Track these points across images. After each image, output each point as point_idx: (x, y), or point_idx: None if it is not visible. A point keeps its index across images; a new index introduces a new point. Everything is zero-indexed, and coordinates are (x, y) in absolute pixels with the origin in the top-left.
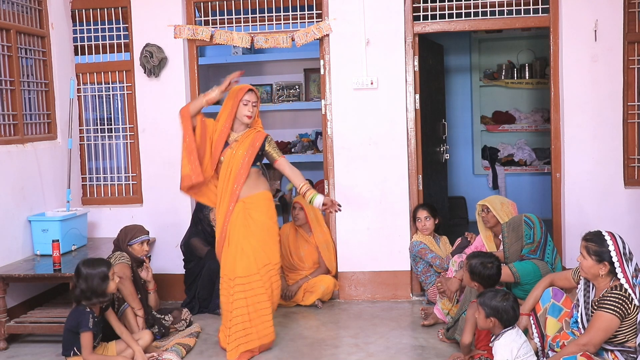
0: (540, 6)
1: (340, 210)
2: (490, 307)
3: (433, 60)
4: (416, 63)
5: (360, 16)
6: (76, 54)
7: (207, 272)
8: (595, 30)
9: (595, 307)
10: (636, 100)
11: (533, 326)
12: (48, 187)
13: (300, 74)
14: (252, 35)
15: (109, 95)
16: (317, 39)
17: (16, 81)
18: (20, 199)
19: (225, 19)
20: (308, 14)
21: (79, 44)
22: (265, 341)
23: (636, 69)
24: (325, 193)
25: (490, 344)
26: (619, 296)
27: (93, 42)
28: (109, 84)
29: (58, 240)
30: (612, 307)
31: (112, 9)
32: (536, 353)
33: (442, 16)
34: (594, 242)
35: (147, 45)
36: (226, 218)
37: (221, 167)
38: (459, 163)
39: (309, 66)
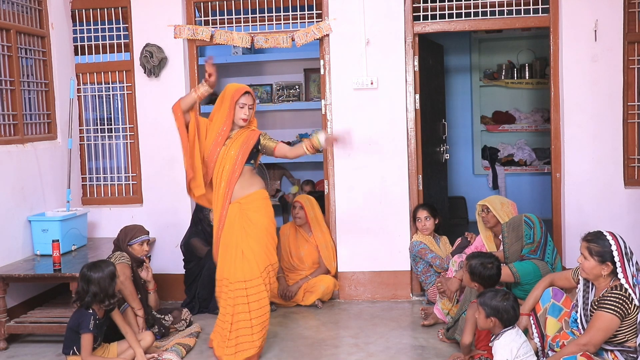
0: (540, 6)
1: (347, 142)
2: (490, 307)
3: (433, 60)
4: (416, 63)
5: (360, 16)
6: (76, 54)
7: (207, 272)
8: (595, 30)
9: (595, 307)
10: (636, 100)
11: (533, 326)
12: (48, 187)
13: (300, 74)
14: (252, 35)
15: (109, 95)
16: (317, 39)
17: (16, 81)
18: (20, 199)
19: (225, 19)
20: (308, 14)
21: (79, 44)
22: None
23: (636, 69)
24: (325, 193)
25: (490, 344)
26: (619, 296)
27: (93, 42)
28: (109, 84)
29: (58, 240)
30: (612, 307)
31: (112, 9)
32: (536, 353)
33: (442, 16)
34: (596, 242)
35: (147, 45)
36: (221, 219)
37: (214, 166)
38: (459, 163)
39: (309, 66)
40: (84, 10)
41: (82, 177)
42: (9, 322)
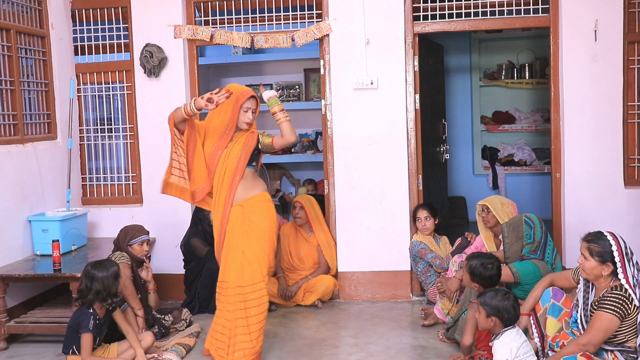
0: (540, 6)
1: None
2: (491, 307)
3: (433, 60)
4: (416, 63)
5: (360, 16)
6: (76, 54)
7: (207, 272)
8: (595, 30)
9: (595, 307)
10: (636, 100)
11: (533, 326)
12: (48, 187)
13: (300, 74)
14: (252, 35)
15: (109, 95)
16: (317, 39)
17: (16, 81)
18: (20, 199)
19: (225, 19)
20: (308, 14)
21: (79, 44)
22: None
23: (636, 69)
24: (325, 193)
25: (490, 344)
26: (619, 296)
27: (93, 42)
28: (109, 84)
29: (58, 240)
30: (612, 307)
31: (112, 9)
32: (536, 353)
33: (442, 16)
34: (597, 243)
35: (147, 45)
36: (223, 221)
37: (215, 169)
38: (459, 163)
39: (309, 66)
40: (84, 10)
41: (82, 177)
42: (9, 322)
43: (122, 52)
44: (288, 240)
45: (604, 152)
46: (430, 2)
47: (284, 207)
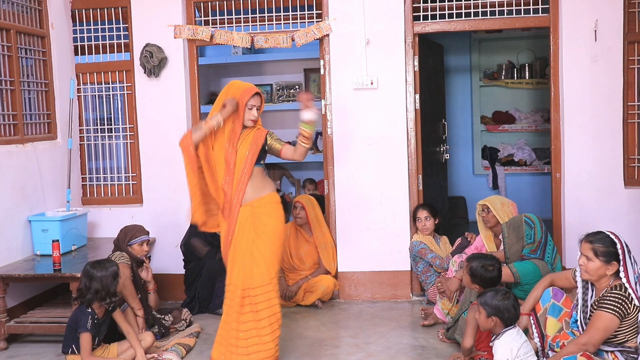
0: (540, 6)
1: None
2: (491, 307)
3: (433, 60)
4: (416, 63)
5: (360, 16)
6: (76, 54)
7: (207, 272)
8: (595, 30)
9: (595, 307)
10: (636, 100)
11: (533, 326)
12: (48, 187)
13: (300, 74)
14: (252, 35)
15: (109, 95)
16: (317, 39)
17: (16, 81)
18: (20, 199)
19: (225, 19)
20: (308, 14)
21: (79, 44)
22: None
23: (636, 69)
24: (325, 193)
25: (490, 344)
26: (619, 296)
27: (93, 42)
28: (109, 84)
29: (58, 240)
30: (612, 307)
31: (112, 9)
32: (536, 353)
33: (442, 16)
34: (601, 243)
35: (147, 45)
36: (232, 222)
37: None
38: (459, 163)
39: (309, 66)
40: (84, 10)
41: (82, 177)
42: (9, 322)
43: (122, 52)
44: (288, 241)
45: (604, 152)
46: (430, 2)
47: (284, 207)
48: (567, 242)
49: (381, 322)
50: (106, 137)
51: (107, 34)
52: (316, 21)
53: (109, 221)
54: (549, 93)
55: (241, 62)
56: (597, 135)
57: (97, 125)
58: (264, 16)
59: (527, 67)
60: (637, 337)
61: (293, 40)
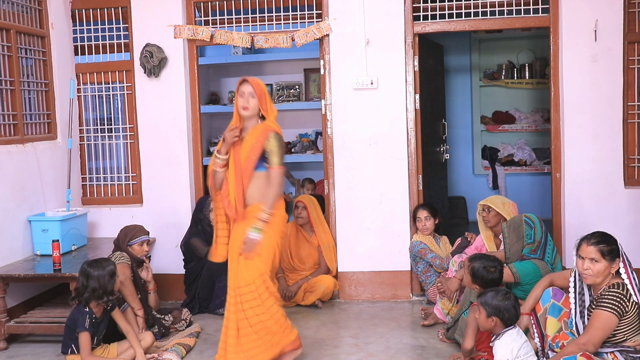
0: (540, 6)
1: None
2: (491, 307)
3: (433, 60)
4: (416, 63)
5: (360, 16)
6: (76, 54)
7: (207, 272)
8: (595, 30)
9: (594, 307)
10: (636, 100)
11: (533, 326)
12: (48, 187)
13: (300, 74)
14: (252, 35)
15: (109, 95)
16: (317, 39)
17: (16, 81)
18: (20, 199)
19: (225, 19)
20: (308, 14)
21: (79, 44)
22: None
23: (636, 69)
24: (325, 193)
25: (490, 344)
26: (617, 294)
27: (93, 42)
28: (109, 84)
29: (58, 240)
30: (611, 305)
31: (112, 9)
32: (536, 353)
33: (442, 16)
34: (605, 243)
35: (147, 45)
36: (232, 222)
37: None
38: (459, 163)
39: (309, 66)
40: (84, 10)
41: (82, 177)
42: (9, 322)
43: (122, 52)
44: (289, 241)
45: (604, 152)
46: (430, 2)
47: (286, 207)
48: (567, 242)
49: (381, 322)
50: (106, 137)
51: (107, 34)
52: (316, 21)
53: (109, 221)
54: (549, 93)
55: (241, 62)
56: (597, 135)
57: (97, 125)
58: (264, 16)
59: (527, 67)
60: (635, 336)
61: (293, 40)
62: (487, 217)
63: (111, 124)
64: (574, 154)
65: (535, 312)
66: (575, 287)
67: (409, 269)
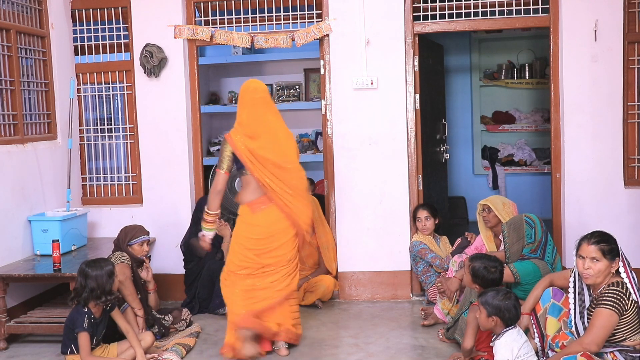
0: (540, 6)
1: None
2: (492, 306)
3: (433, 60)
4: (416, 63)
5: (360, 16)
6: (76, 54)
7: (207, 272)
8: (595, 30)
9: (594, 306)
10: (636, 100)
11: (533, 326)
12: (48, 187)
13: (300, 74)
14: (252, 35)
15: (109, 95)
16: (317, 39)
17: (16, 81)
18: (20, 199)
19: (225, 19)
20: (308, 14)
21: (79, 44)
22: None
23: (636, 69)
24: (325, 193)
25: (491, 344)
26: (617, 292)
27: (93, 42)
28: (109, 84)
29: (58, 240)
30: (610, 303)
31: (112, 9)
32: (536, 353)
33: (442, 16)
34: (605, 242)
35: (147, 45)
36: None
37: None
38: (459, 163)
39: (309, 66)
40: (84, 10)
41: (82, 177)
42: (9, 322)
43: (122, 52)
44: None
45: (604, 152)
46: (430, 2)
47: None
48: (567, 242)
49: (381, 322)
50: (106, 137)
51: (107, 34)
52: (316, 21)
53: (109, 221)
54: (549, 93)
55: (241, 62)
56: (597, 135)
57: (97, 125)
58: (264, 16)
59: (527, 67)
60: (635, 335)
61: (293, 40)
62: (488, 217)
63: (111, 124)
64: (574, 154)
65: (535, 312)
66: (574, 287)
67: (409, 269)
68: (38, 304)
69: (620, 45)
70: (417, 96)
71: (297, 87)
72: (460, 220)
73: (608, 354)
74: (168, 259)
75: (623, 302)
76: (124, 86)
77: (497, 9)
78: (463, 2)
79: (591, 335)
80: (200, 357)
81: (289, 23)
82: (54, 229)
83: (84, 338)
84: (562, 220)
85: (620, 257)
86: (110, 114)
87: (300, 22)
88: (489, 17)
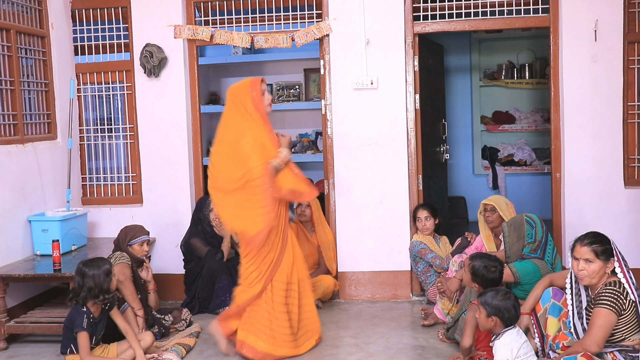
0: (540, 6)
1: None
2: (491, 306)
3: (433, 60)
4: (416, 63)
5: (360, 16)
6: (76, 54)
7: (207, 272)
8: (595, 30)
9: (592, 307)
10: (636, 100)
11: (533, 326)
12: (48, 187)
13: (300, 74)
14: (252, 35)
15: (109, 95)
16: (317, 39)
17: (16, 81)
18: (20, 199)
19: (225, 19)
20: (308, 14)
21: (79, 44)
22: None
23: (636, 69)
24: (325, 193)
25: (490, 344)
26: (614, 291)
27: (93, 42)
28: (109, 84)
29: (58, 240)
30: (608, 302)
31: (112, 9)
32: (536, 353)
33: (442, 16)
34: (598, 243)
35: (147, 45)
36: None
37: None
38: (459, 163)
39: (309, 66)
40: (84, 10)
41: (82, 177)
42: (9, 322)
43: (122, 52)
44: None
45: (604, 152)
46: (430, 2)
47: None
48: (567, 242)
49: (381, 322)
50: (106, 137)
51: (107, 34)
52: (316, 21)
53: (109, 221)
54: (549, 93)
55: (241, 62)
56: (597, 135)
57: (97, 125)
58: (264, 16)
59: (527, 67)
60: (634, 335)
61: (293, 40)
62: (491, 217)
63: (111, 124)
64: (574, 154)
65: (535, 312)
66: (571, 288)
67: (409, 269)
68: (38, 304)
69: (620, 45)
70: (417, 96)
71: (297, 87)
72: (460, 220)
73: (608, 354)
74: (168, 259)
75: (620, 301)
76: (124, 86)
77: (497, 9)
78: (463, 2)
79: (591, 335)
80: (200, 357)
81: (289, 23)
82: (54, 229)
83: (83, 337)
84: (562, 220)
85: (616, 257)
86: (110, 114)
87: (300, 22)
88: (489, 17)
